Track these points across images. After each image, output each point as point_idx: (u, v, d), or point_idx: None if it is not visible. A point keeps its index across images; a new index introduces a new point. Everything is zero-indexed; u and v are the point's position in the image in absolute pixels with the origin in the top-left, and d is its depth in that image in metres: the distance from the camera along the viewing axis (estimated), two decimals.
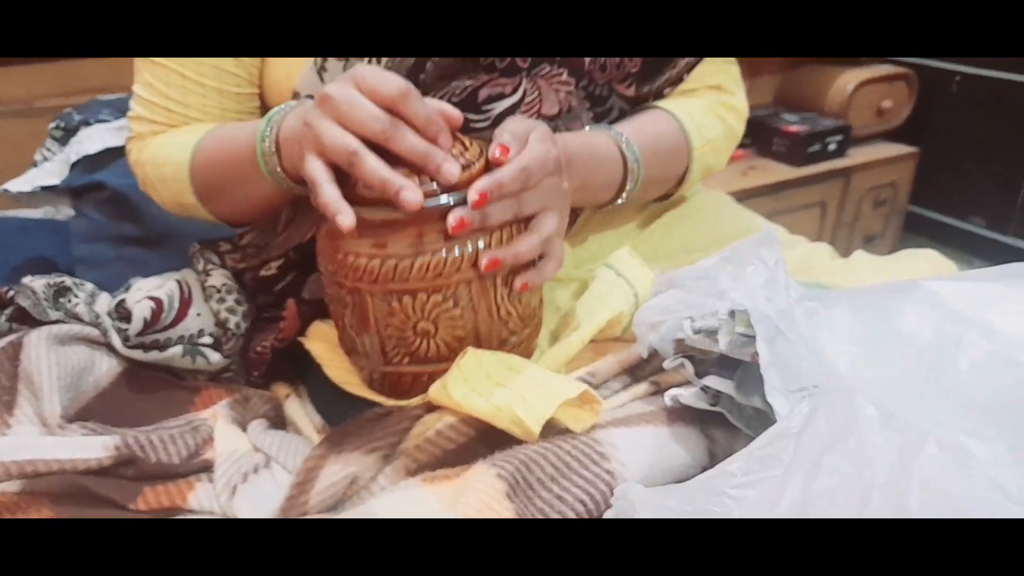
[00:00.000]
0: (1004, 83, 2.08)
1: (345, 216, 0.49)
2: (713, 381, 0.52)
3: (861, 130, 2.14)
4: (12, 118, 1.16)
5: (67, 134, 1.01)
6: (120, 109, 1.05)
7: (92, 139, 0.97)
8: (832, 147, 2.04)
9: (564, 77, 0.69)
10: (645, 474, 0.49)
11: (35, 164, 1.01)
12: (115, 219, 0.95)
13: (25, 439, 0.59)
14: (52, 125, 1.03)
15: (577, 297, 0.68)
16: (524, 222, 0.56)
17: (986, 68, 2.11)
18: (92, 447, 0.56)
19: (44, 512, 0.53)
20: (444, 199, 0.51)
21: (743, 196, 1.91)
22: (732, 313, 0.52)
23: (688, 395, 0.50)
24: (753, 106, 2.23)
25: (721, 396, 0.51)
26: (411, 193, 0.48)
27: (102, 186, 0.94)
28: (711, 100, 0.78)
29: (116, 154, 0.97)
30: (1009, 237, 2.16)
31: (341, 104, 0.49)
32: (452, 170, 0.50)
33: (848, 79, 2.09)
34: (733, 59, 0.82)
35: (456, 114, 0.54)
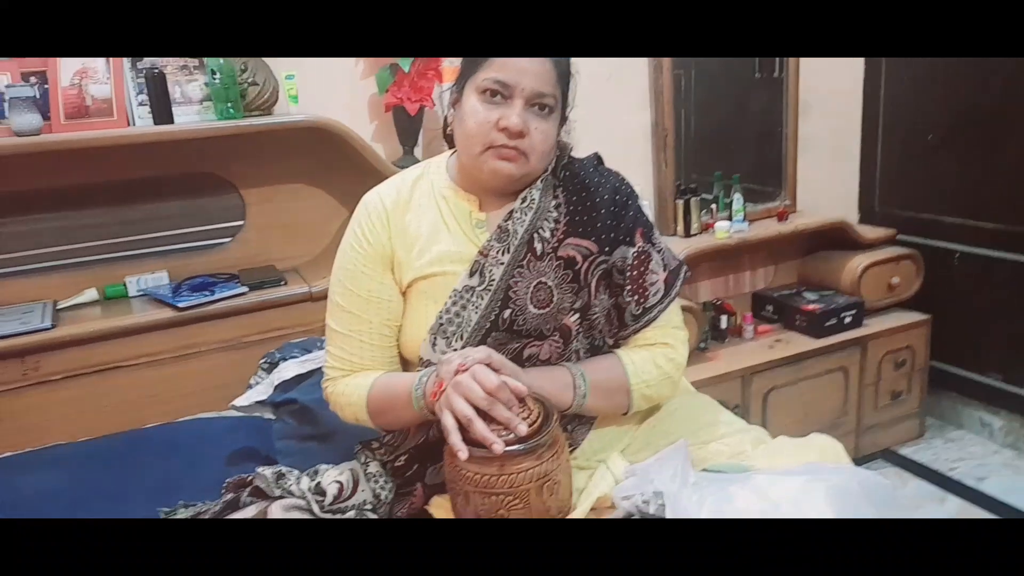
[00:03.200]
0: (995, 259, 2.43)
1: (463, 453, 0.93)
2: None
3: (876, 303, 2.51)
4: (228, 351, 1.73)
5: (271, 366, 1.56)
6: (304, 348, 1.60)
7: (287, 370, 1.51)
8: (847, 320, 2.42)
9: (557, 339, 1.14)
10: None
11: (250, 386, 1.55)
12: (301, 423, 1.46)
13: None
14: (261, 361, 1.59)
15: (589, 479, 1.12)
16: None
17: (979, 248, 2.47)
18: None
19: None
20: (517, 447, 0.95)
21: (771, 366, 2.29)
22: (656, 492, 0.95)
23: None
24: (779, 286, 2.65)
25: None
26: (498, 446, 0.93)
27: (294, 401, 1.46)
28: (655, 353, 1.19)
29: (303, 378, 1.50)
30: None
31: (466, 389, 0.95)
32: (522, 430, 0.95)
33: (858, 262, 2.48)
34: (684, 328, 1.25)
35: (523, 388, 0.98)
